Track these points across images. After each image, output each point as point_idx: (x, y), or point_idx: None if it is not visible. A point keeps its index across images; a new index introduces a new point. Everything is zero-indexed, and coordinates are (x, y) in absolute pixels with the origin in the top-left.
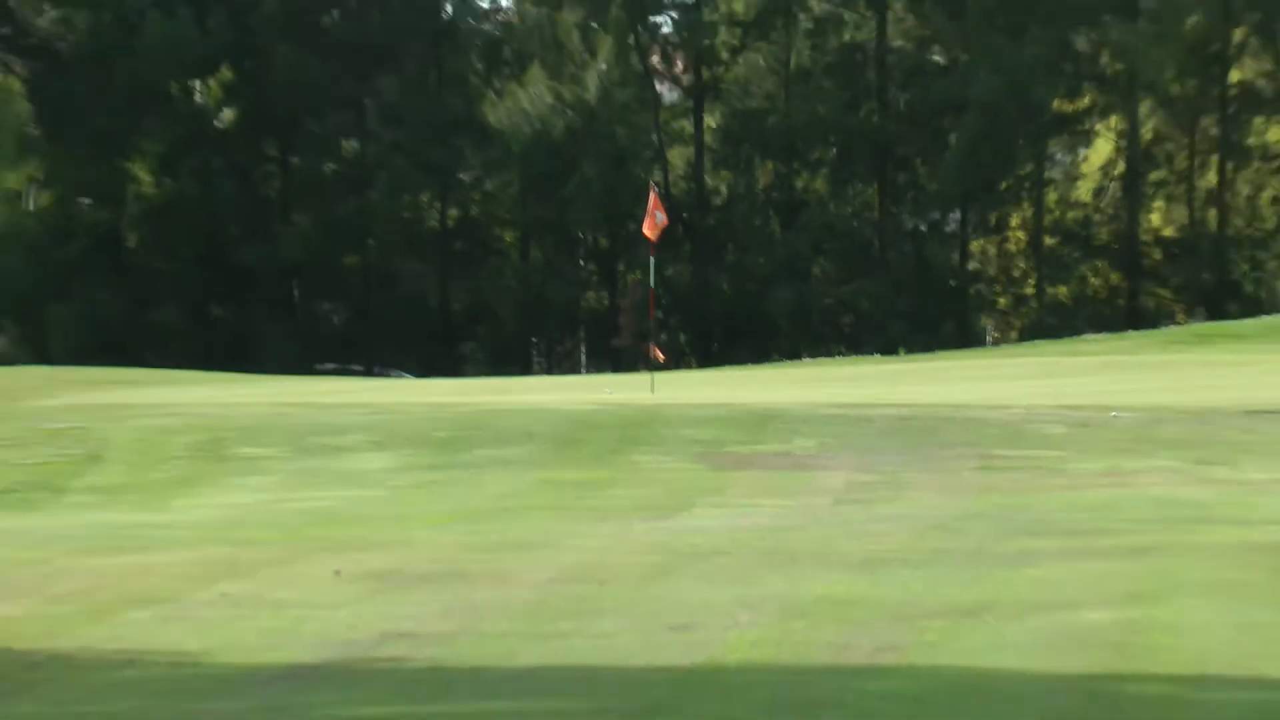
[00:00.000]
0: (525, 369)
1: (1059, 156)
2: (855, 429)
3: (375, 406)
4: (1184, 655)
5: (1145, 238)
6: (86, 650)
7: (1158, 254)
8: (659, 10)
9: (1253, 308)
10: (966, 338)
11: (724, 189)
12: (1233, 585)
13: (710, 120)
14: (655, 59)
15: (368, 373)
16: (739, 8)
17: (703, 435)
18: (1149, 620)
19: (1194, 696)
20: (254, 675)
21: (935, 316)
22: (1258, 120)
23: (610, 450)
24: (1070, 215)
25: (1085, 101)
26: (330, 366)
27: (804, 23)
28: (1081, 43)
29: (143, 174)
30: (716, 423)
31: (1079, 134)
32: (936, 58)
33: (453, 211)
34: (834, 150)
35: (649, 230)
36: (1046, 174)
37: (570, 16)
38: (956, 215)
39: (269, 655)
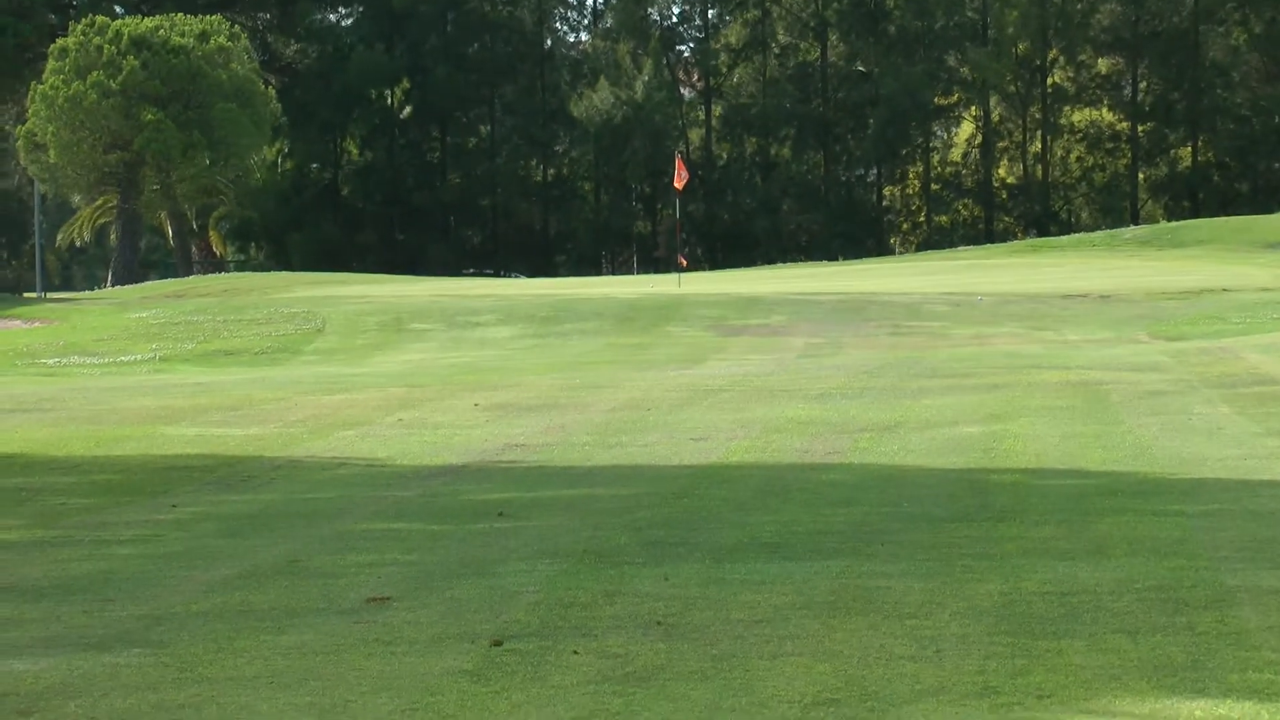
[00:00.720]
0: (597, 272)
1: (939, 133)
2: (810, 308)
3: (500, 296)
4: (1028, 455)
5: (996, 184)
6: (311, 457)
7: (1004, 195)
8: (682, 42)
9: (1066, 229)
10: (881, 250)
11: (724, 155)
12: (1058, 409)
13: (715, 111)
14: (680, 73)
15: (495, 275)
16: (733, 39)
17: (712, 314)
18: (1004, 432)
19: (1034, 483)
20: (420, 472)
21: (861, 237)
22: (1066, 109)
23: (652, 324)
24: (947, 170)
25: (955, 98)
26: (471, 271)
27: (774, 49)
28: (951, 60)
29: (352, 148)
30: (721, 305)
31: (951, 118)
32: (860, 69)
33: (550, 171)
34: (794, 130)
35: (677, 182)
36: (931, 144)
37: (624, 46)
38: (874, 171)
39: (430, 459)
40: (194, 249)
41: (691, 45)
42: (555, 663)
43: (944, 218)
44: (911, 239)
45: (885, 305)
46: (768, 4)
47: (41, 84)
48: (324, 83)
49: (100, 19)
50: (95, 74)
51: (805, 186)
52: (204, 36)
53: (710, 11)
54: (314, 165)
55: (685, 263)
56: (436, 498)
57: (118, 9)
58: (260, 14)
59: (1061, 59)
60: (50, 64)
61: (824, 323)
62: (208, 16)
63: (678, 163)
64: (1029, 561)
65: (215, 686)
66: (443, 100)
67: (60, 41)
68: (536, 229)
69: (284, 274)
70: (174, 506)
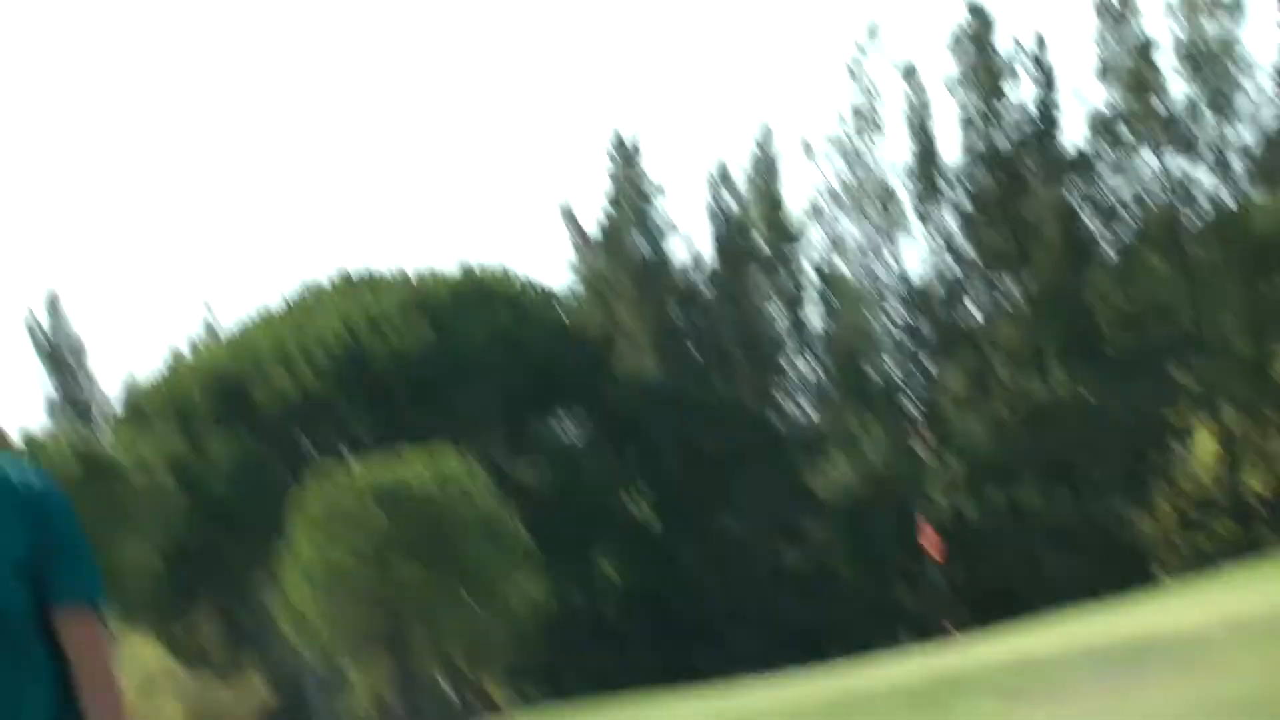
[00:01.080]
0: (868, 652)
1: (1177, 449)
2: (1096, 661)
3: (781, 700)
4: None
5: (1247, 496)
6: None
7: (1258, 506)
8: (906, 397)
9: None
10: (1144, 582)
11: (971, 510)
12: None
13: (953, 465)
14: (911, 430)
15: (771, 674)
16: (957, 388)
17: (1001, 683)
18: None
19: None
20: None
21: (1120, 572)
22: None
23: (944, 705)
24: (1194, 490)
25: (1186, 412)
26: (747, 674)
27: (997, 391)
28: (1174, 374)
29: (606, 566)
30: (1005, 671)
31: (1186, 434)
32: (1087, 397)
33: (802, 557)
34: (1035, 473)
35: (929, 547)
36: (1172, 463)
37: (852, 419)
38: (1121, 501)
39: None
40: (471, 698)
41: (916, 401)
42: None
43: (1202, 537)
44: (1172, 566)
45: (1165, 645)
46: (984, 347)
47: (291, 549)
48: (562, 499)
49: (336, 473)
50: (345, 536)
51: (1056, 530)
52: (443, 479)
53: (926, 361)
54: (571, 590)
55: (954, 631)
56: None
57: (341, 447)
58: (488, 433)
59: None
60: (297, 530)
61: (1113, 673)
62: (436, 446)
63: (925, 527)
64: None
65: None
66: (683, 500)
67: (302, 503)
68: (801, 619)
69: (566, 711)
70: None
